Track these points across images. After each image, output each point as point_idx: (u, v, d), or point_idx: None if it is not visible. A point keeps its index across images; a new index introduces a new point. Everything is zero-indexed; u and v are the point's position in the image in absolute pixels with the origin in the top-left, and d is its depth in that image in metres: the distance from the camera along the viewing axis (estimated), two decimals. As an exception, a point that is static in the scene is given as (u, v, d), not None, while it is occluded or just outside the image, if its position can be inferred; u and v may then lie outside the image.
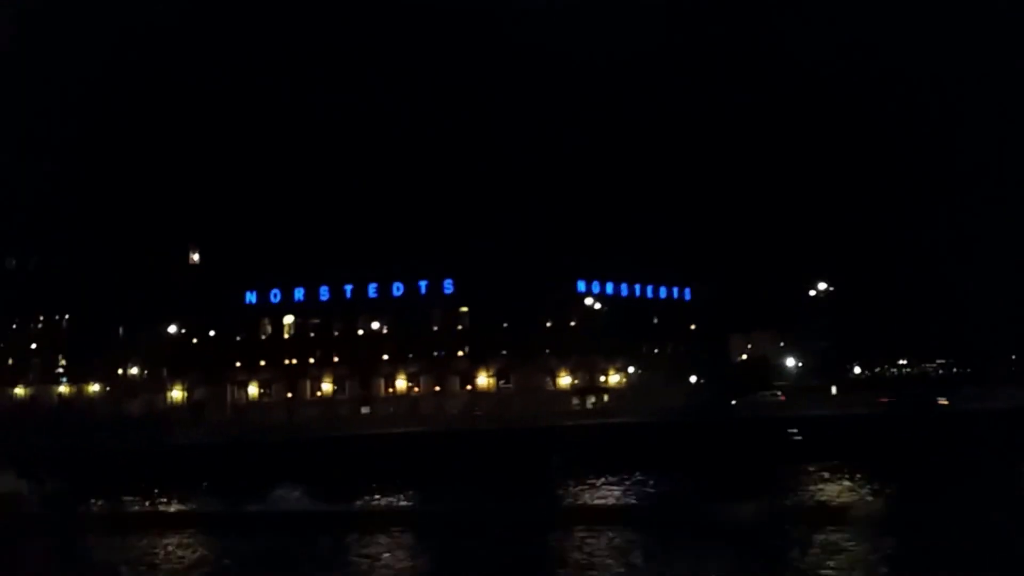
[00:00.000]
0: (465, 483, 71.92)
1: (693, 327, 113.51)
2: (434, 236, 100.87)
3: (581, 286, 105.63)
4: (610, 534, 44.41)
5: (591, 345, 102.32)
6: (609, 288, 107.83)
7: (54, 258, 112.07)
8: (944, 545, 38.13)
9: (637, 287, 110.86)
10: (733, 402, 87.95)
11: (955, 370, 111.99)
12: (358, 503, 67.19)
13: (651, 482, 69.23)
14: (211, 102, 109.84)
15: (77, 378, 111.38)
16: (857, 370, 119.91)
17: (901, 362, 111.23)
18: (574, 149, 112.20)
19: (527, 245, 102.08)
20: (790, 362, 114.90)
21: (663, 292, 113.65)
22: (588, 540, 43.05)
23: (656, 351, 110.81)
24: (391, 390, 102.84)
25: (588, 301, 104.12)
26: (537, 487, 70.35)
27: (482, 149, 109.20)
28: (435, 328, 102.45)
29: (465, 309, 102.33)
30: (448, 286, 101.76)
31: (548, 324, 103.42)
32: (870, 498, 55.41)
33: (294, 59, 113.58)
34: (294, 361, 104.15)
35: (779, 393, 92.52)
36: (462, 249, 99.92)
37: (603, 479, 69.85)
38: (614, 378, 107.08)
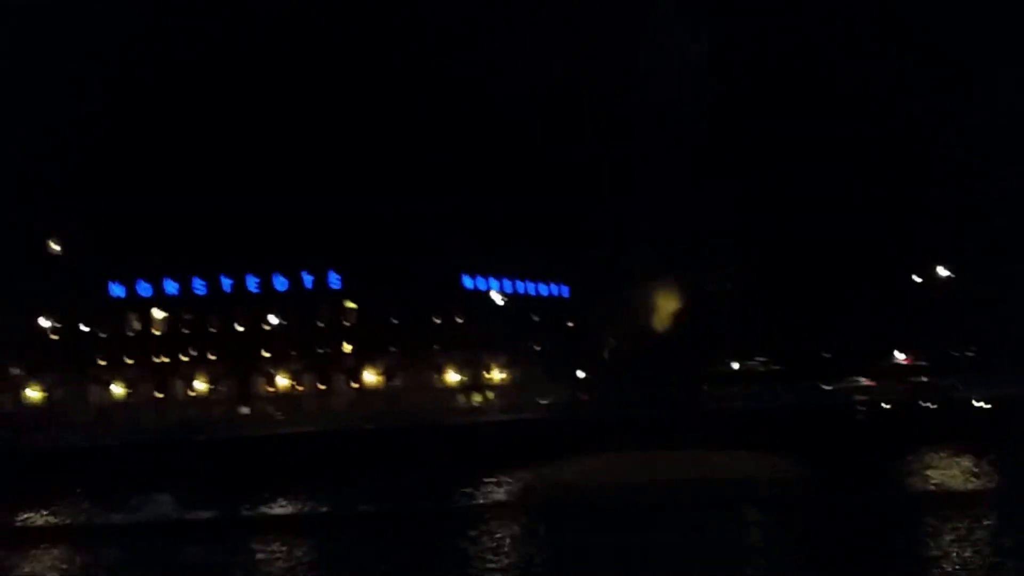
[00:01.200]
0: (354, 484, 69.05)
1: (571, 324, 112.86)
2: (320, 228, 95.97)
3: (467, 282, 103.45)
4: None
5: (477, 342, 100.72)
6: (494, 284, 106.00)
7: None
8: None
9: (519, 284, 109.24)
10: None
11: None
12: (244, 509, 63.21)
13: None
14: (64, 71, 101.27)
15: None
16: (735, 365, 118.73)
17: (759, 358, 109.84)
18: (462, 144, 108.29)
19: (414, 239, 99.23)
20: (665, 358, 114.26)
21: (544, 289, 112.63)
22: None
23: (538, 348, 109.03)
24: (272, 389, 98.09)
25: (475, 297, 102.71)
26: (430, 487, 67.87)
27: (369, 140, 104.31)
28: (320, 323, 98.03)
29: (352, 304, 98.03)
30: (335, 280, 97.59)
31: (436, 320, 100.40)
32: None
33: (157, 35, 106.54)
34: (165, 359, 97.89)
35: None
36: (349, 242, 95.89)
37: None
38: (499, 375, 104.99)
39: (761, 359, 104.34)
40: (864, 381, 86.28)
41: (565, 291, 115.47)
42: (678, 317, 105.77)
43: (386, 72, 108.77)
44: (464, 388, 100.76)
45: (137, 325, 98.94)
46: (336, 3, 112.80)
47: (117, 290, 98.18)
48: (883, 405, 79.72)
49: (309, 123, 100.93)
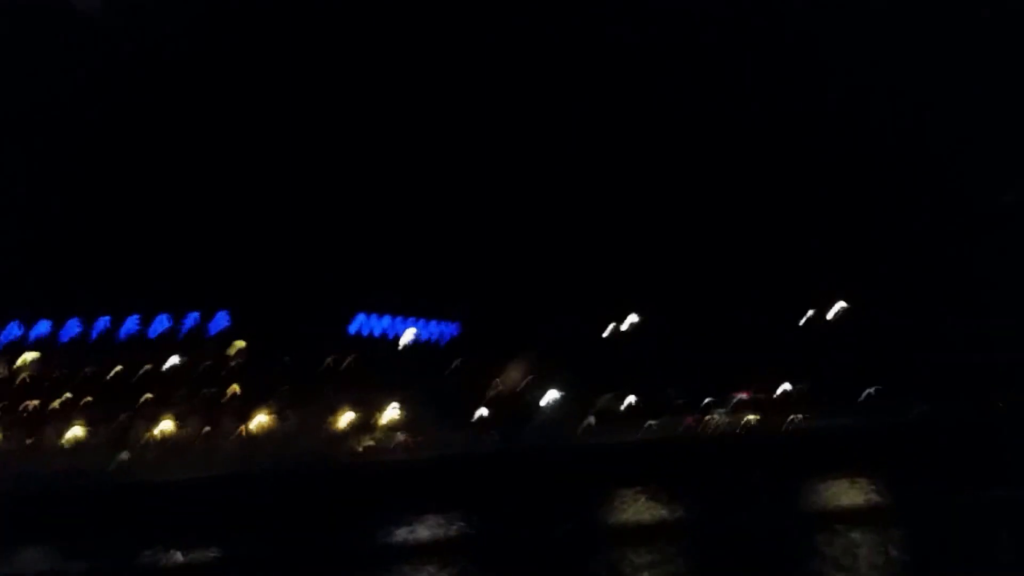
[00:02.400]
0: (249, 531, 66.21)
1: (459, 362, 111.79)
2: (206, 264, 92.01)
3: (360, 320, 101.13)
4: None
5: (370, 381, 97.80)
6: (386, 322, 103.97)
7: None
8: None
9: (411, 321, 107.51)
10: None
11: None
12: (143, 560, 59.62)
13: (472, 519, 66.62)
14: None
15: None
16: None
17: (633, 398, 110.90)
18: (351, 179, 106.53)
19: (305, 276, 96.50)
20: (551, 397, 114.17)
21: (434, 328, 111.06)
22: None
23: (428, 387, 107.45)
24: (154, 434, 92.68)
25: (367, 335, 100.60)
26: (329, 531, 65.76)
27: (256, 174, 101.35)
28: (207, 364, 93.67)
29: (242, 344, 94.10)
30: (223, 319, 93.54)
31: (328, 360, 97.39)
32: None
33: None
34: (36, 403, 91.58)
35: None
36: (237, 279, 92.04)
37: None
38: (389, 415, 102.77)
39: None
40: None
41: (455, 329, 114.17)
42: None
43: (274, 108, 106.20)
44: (358, 429, 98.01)
45: (4, 370, 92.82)
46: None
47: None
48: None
49: (195, 156, 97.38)
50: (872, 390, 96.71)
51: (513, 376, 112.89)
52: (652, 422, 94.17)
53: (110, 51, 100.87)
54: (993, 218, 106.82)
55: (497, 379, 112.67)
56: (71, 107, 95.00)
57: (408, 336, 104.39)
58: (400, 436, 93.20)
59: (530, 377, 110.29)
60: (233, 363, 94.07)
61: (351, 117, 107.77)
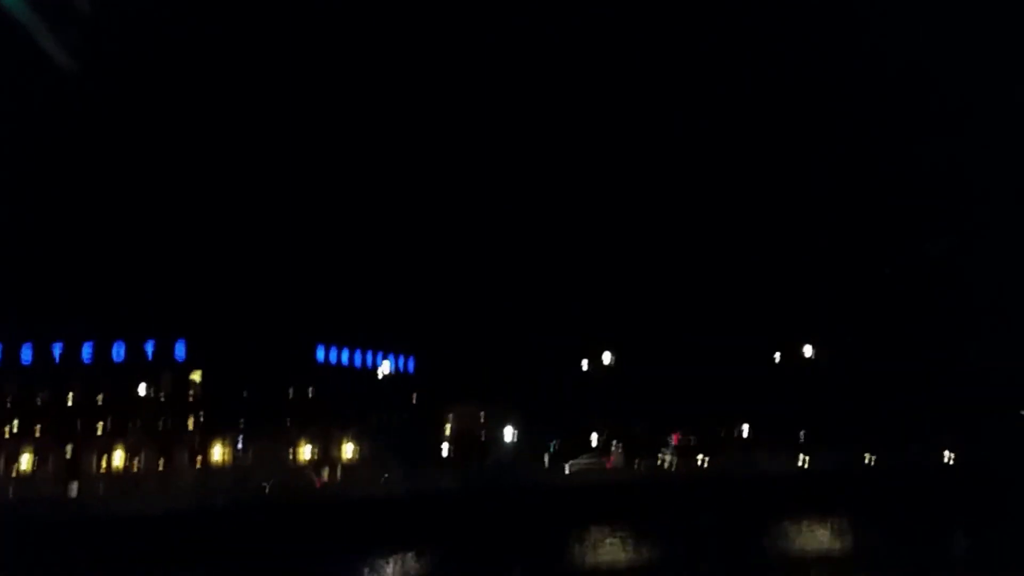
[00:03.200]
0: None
1: (415, 398, 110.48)
2: (163, 291, 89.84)
3: (320, 353, 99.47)
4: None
5: (328, 416, 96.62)
6: (344, 356, 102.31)
7: None
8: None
9: (369, 355, 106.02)
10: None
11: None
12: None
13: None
14: None
15: None
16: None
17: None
18: (310, 205, 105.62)
19: (264, 306, 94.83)
20: (508, 434, 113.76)
21: (391, 362, 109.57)
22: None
23: (385, 422, 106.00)
24: (106, 467, 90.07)
25: (326, 369, 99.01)
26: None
27: (217, 200, 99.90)
28: (162, 395, 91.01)
29: (198, 374, 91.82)
30: (179, 348, 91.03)
31: (289, 392, 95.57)
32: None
33: None
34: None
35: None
36: (194, 307, 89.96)
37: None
38: (348, 450, 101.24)
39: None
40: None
41: (411, 364, 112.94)
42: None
43: (238, 135, 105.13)
44: (316, 464, 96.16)
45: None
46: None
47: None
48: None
49: (155, 185, 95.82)
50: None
51: (470, 413, 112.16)
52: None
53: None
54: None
55: (453, 414, 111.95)
56: (33, 127, 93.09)
57: (384, 368, 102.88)
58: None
59: (484, 415, 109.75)
60: (191, 393, 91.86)
61: (318, 145, 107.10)
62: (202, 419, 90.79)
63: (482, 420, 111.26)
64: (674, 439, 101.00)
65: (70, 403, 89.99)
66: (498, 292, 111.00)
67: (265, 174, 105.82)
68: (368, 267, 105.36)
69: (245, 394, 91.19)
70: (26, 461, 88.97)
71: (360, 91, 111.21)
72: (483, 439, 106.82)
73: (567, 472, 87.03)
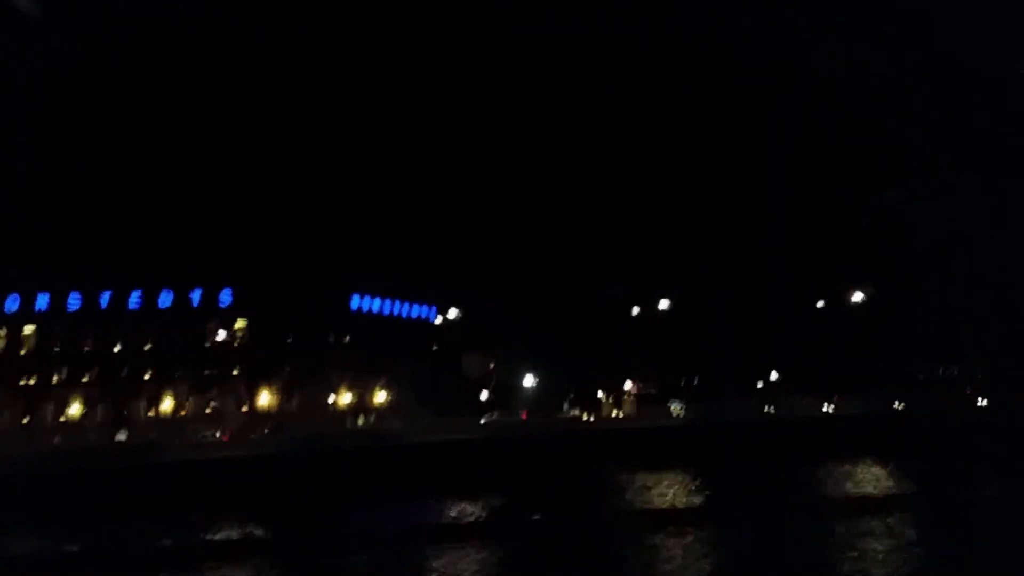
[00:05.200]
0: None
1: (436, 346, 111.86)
2: (209, 240, 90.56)
3: (355, 301, 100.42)
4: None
5: (364, 363, 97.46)
6: (377, 305, 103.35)
7: None
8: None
9: (397, 304, 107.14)
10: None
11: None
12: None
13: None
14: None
15: None
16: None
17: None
18: (347, 159, 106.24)
19: (303, 256, 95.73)
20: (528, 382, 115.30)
21: (416, 311, 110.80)
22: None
23: (414, 370, 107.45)
24: (153, 413, 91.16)
25: (362, 317, 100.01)
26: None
27: (259, 151, 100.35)
28: (208, 343, 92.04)
29: (244, 323, 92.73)
30: (226, 296, 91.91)
31: (329, 340, 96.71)
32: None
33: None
34: (33, 380, 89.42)
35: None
36: (240, 256, 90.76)
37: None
38: (380, 397, 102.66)
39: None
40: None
41: (433, 313, 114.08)
42: None
43: (281, 89, 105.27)
44: (354, 410, 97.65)
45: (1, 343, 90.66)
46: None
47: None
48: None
49: (199, 136, 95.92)
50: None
51: (497, 359, 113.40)
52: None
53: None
54: None
55: (482, 361, 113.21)
56: (80, 84, 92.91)
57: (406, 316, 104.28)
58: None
59: (509, 362, 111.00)
60: (236, 342, 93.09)
61: (357, 107, 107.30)
62: (248, 366, 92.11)
63: (505, 367, 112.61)
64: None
65: (118, 351, 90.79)
66: (529, 240, 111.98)
67: (307, 130, 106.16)
68: (402, 217, 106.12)
69: (290, 341, 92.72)
70: (74, 408, 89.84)
71: (402, 45, 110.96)
72: (509, 386, 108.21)
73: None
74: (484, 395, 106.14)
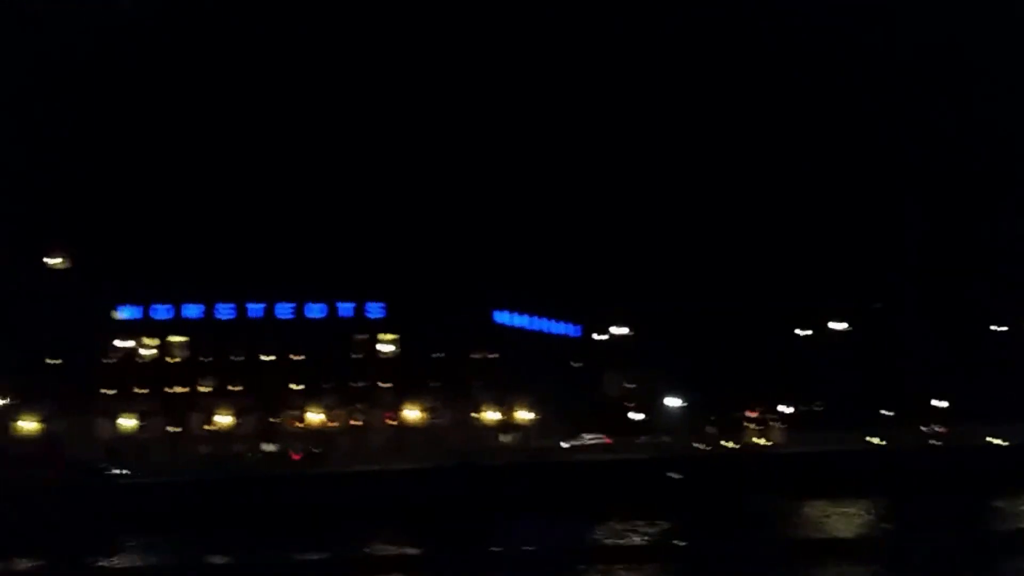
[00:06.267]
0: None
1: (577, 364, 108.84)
2: (358, 254, 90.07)
3: (499, 316, 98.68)
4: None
5: (507, 379, 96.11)
6: (520, 320, 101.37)
7: None
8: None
9: (540, 321, 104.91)
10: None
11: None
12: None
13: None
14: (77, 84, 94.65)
15: None
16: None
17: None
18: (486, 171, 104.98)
19: (451, 270, 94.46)
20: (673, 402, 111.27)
21: (559, 327, 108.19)
22: None
23: (555, 388, 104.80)
24: (299, 424, 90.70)
25: (505, 333, 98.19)
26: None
27: (403, 165, 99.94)
28: (357, 356, 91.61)
29: (393, 336, 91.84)
30: (377, 310, 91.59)
31: (472, 355, 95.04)
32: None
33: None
34: (182, 389, 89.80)
35: None
36: (391, 270, 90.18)
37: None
38: (523, 414, 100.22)
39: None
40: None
41: (577, 330, 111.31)
42: None
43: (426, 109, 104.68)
44: (500, 427, 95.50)
45: (151, 352, 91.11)
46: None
47: (128, 312, 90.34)
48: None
49: (351, 150, 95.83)
50: None
51: (640, 378, 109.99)
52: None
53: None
54: None
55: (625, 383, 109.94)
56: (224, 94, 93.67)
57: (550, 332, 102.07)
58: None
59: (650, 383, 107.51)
60: (385, 355, 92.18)
61: (501, 120, 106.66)
62: (396, 380, 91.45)
63: (645, 387, 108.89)
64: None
65: (266, 362, 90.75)
66: (682, 261, 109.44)
67: (451, 145, 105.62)
68: (549, 233, 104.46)
69: (439, 356, 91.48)
70: (223, 418, 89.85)
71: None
72: (648, 407, 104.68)
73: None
74: (627, 415, 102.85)
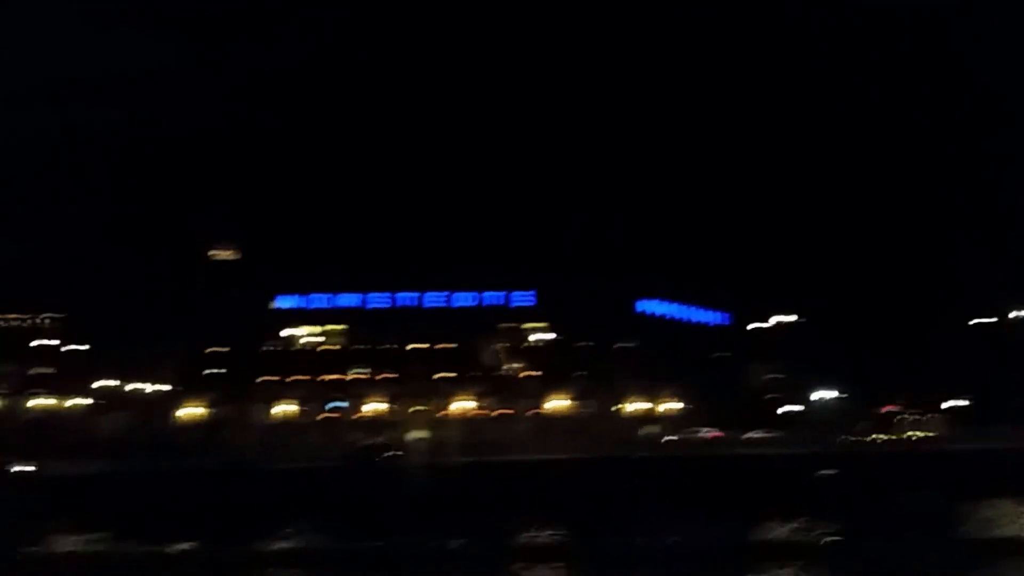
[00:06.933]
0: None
1: (724, 354, 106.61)
2: (507, 243, 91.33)
3: (642, 305, 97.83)
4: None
5: (650, 369, 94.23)
6: (664, 308, 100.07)
7: (45, 246, 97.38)
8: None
9: (685, 308, 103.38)
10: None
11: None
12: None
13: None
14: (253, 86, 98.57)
15: (62, 389, 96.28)
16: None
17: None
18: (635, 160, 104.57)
19: (598, 259, 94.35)
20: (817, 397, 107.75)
21: (705, 316, 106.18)
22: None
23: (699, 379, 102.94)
24: (446, 412, 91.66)
25: (649, 323, 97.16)
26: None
27: (551, 156, 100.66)
28: (505, 345, 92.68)
29: (544, 324, 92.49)
30: (527, 298, 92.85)
31: (615, 345, 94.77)
32: None
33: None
34: (334, 377, 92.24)
35: None
36: (541, 259, 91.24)
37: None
38: (666, 405, 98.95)
39: None
40: None
41: (726, 318, 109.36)
42: None
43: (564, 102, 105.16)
44: (644, 418, 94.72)
45: (306, 340, 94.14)
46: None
47: (287, 302, 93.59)
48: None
49: (499, 144, 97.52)
50: None
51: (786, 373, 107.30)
52: None
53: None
54: None
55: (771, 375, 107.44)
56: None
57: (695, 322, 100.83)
58: None
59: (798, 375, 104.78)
60: (533, 344, 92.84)
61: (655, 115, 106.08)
62: (543, 369, 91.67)
63: (793, 380, 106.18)
64: None
65: (416, 350, 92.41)
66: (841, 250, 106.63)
67: (602, 142, 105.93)
68: (696, 220, 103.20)
69: (588, 345, 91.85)
70: (375, 407, 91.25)
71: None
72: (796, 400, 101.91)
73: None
74: (774, 409, 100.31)
